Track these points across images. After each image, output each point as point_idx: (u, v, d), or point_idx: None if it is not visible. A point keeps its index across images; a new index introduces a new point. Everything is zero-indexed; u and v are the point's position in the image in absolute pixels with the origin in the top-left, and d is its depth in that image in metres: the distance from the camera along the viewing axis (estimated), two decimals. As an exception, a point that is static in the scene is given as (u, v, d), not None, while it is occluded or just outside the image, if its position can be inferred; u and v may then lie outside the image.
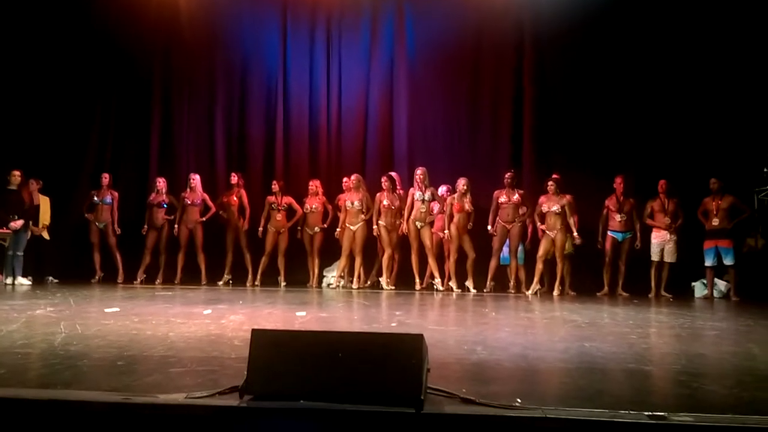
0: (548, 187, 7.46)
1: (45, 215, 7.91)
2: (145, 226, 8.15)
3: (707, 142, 7.65)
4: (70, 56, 8.62)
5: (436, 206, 7.71)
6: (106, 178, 8.24)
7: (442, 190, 7.81)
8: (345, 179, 8.10)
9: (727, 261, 7.25)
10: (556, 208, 7.34)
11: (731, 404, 2.17)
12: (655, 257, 7.50)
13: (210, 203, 8.26)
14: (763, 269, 7.32)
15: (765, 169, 7.56)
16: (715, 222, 7.26)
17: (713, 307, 6.42)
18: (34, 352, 2.92)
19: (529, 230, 7.82)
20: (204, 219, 8.17)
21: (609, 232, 7.60)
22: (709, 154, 7.59)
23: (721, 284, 7.37)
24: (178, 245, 8.14)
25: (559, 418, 1.83)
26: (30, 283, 7.44)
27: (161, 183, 8.23)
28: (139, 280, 8.02)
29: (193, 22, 8.95)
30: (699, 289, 7.53)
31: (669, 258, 7.47)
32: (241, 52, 9.06)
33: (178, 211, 8.18)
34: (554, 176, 7.52)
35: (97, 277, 8.11)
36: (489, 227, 7.57)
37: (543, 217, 7.46)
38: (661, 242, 7.50)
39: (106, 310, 4.65)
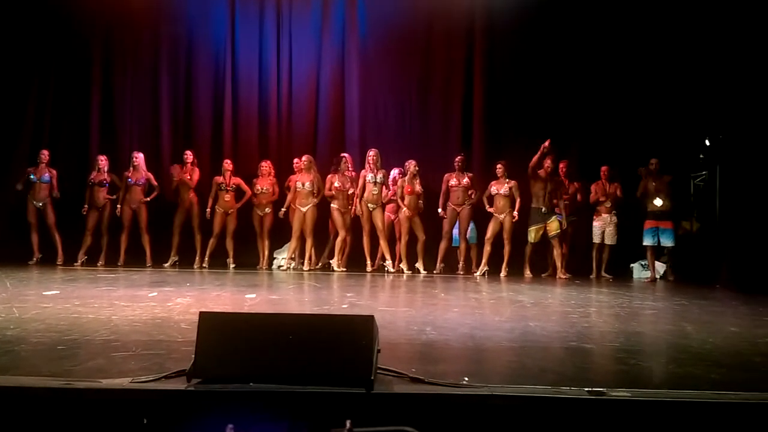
0: (497, 171, 7.61)
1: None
2: (86, 206, 7.84)
3: (646, 126, 7.93)
4: (4, 26, 8.12)
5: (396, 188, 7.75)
6: (44, 155, 7.86)
7: (395, 172, 7.83)
8: (296, 160, 8.01)
9: (667, 242, 7.44)
10: (504, 190, 7.51)
11: (666, 380, 2.28)
12: (596, 239, 7.77)
13: (154, 182, 8.01)
14: (697, 252, 7.70)
15: (701, 155, 7.92)
16: (658, 203, 7.43)
17: (650, 287, 6.71)
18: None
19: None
20: (148, 199, 7.94)
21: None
22: (648, 139, 7.86)
23: (659, 266, 7.69)
24: (121, 226, 7.89)
25: (505, 395, 1.89)
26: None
27: (103, 161, 7.92)
28: (79, 261, 7.74)
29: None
30: (637, 270, 7.85)
31: (609, 240, 7.74)
32: (186, 25, 8.74)
33: (121, 191, 7.91)
34: (502, 161, 7.67)
35: (34, 259, 7.77)
36: (439, 210, 7.66)
37: (491, 199, 7.61)
38: (602, 225, 7.76)
39: (45, 293, 4.48)
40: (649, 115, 7.97)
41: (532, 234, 7.42)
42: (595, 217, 7.80)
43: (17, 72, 8.28)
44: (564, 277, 7.28)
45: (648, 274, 7.49)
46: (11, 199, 7.93)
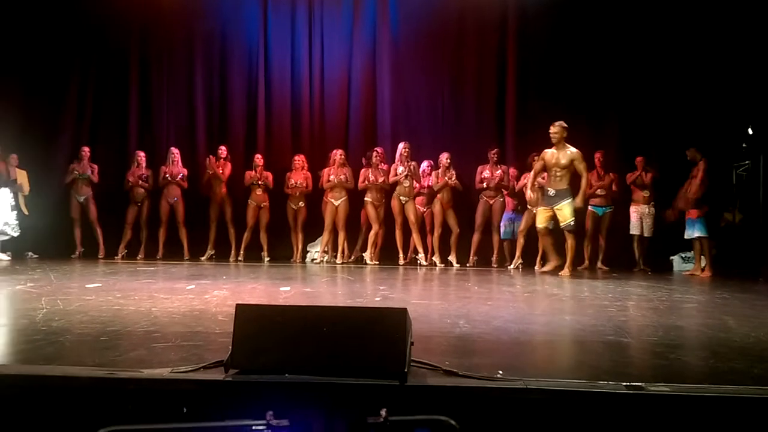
0: (531, 163, 7.51)
1: (23, 189, 7.78)
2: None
3: (687, 115, 7.71)
4: (45, 28, 8.36)
5: (430, 181, 7.72)
6: (85, 151, 8.09)
7: (425, 165, 7.81)
8: (330, 154, 8.05)
9: (697, 232, 7.01)
10: (538, 183, 7.41)
11: (707, 374, 2.23)
12: (634, 231, 7.60)
13: (184, 182, 8.13)
14: (739, 243, 7.46)
15: (743, 144, 7.67)
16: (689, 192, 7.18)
17: (691, 280, 6.55)
18: (15, 328, 2.89)
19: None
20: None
21: (589, 207, 7.67)
22: (688, 127, 7.65)
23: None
24: (159, 220, 8.07)
25: (540, 389, 1.87)
26: (9, 258, 7.34)
27: (142, 157, 8.12)
28: (120, 255, 7.95)
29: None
30: (677, 262, 7.66)
31: (647, 232, 7.56)
32: (220, 23, 8.86)
33: (161, 186, 8.10)
34: (536, 153, 7.56)
35: (77, 253, 8.02)
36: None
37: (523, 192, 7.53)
38: (639, 216, 7.59)
39: (88, 286, 4.62)
40: (690, 103, 7.74)
41: (540, 216, 6.57)
42: (631, 206, 7.62)
43: (57, 72, 8.52)
44: (566, 274, 6.38)
45: (689, 266, 7.30)
46: (55, 194, 8.19)
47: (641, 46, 7.98)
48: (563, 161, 6.36)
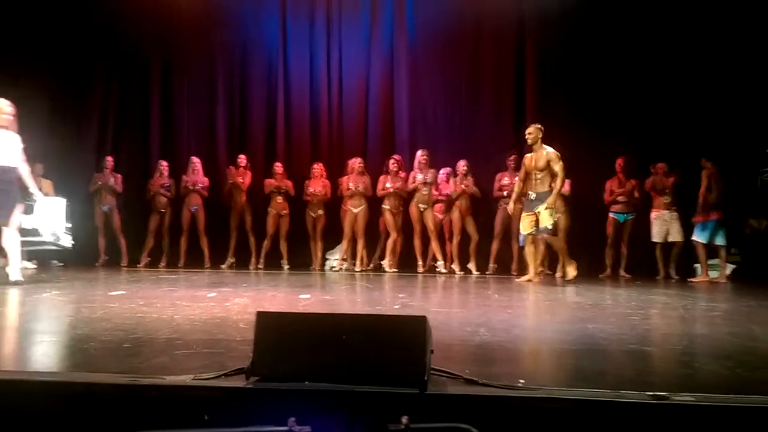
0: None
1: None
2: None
3: (708, 122, 7.61)
4: (67, 38, 8.55)
5: (448, 189, 7.69)
6: (109, 161, 8.23)
7: (443, 172, 7.81)
8: (348, 162, 8.09)
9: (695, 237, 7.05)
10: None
11: (733, 384, 2.18)
12: (656, 239, 7.48)
13: (205, 191, 8.21)
14: (766, 250, 7.32)
15: (767, 150, 7.53)
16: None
17: (715, 288, 6.43)
18: (40, 335, 2.94)
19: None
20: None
21: (611, 214, 7.59)
22: (710, 134, 7.54)
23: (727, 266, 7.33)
24: (181, 229, 8.16)
25: (562, 398, 1.85)
26: (35, 267, 7.48)
27: (164, 166, 8.24)
28: (142, 263, 8.06)
29: (191, 2, 8.87)
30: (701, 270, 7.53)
31: (674, 238, 7.40)
32: (240, 32, 9.00)
33: (182, 195, 8.21)
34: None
35: (101, 261, 8.15)
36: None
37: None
38: (662, 223, 7.47)
39: (111, 293, 4.68)
40: (712, 108, 7.64)
41: (524, 222, 6.28)
42: (652, 212, 7.50)
43: (80, 82, 8.70)
44: (536, 280, 6.15)
45: (715, 273, 7.17)
46: (79, 204, 8.33)
47: (662, 48, 7.90)
48: (541, 163, 6.13)
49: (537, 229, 6.08)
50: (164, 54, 9.00)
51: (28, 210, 5.29)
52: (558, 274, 7.26)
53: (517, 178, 6.47)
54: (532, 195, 6.19)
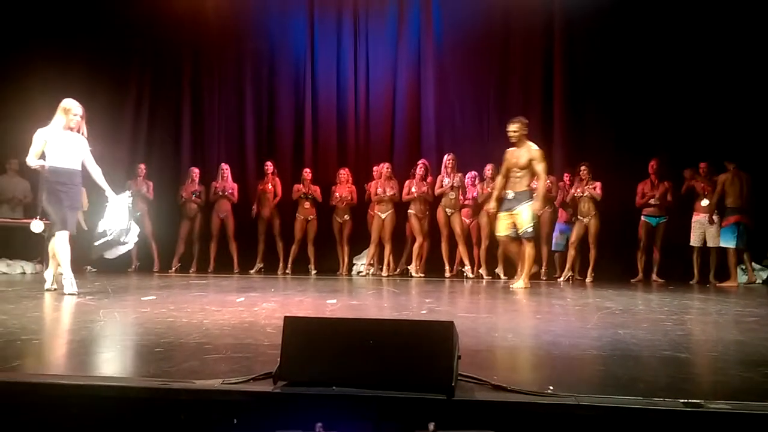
0: (581, 173, 7.37)
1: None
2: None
3: (742, 123, 7.42)
4: (100, 46, 8.73)
5: (475, 192, 7.65)
6: (141, 168, 8.39)
7: (469, 176, 7.77)
8: (375, 167, 8.11)
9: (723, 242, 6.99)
10: (588, 193, 7.27)
11: (770, 392, 2.12)
12: (694, 242, 7.31)
13: (234, 197, 8.30)
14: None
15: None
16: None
17: (750, 293, 6.26)
18: (74, 339, 3.01)
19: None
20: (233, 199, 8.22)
21: (643, 217, 7.46)
22: (743, 135, 7.35)
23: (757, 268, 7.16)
24: (211, 235, 8.28)
25: (593, 405, 1.82)
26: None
27: (195, 173, 8.37)
28: (173, 268, 8.19)
29: (220, 11, 9.02)
30: (738, 274, 7.34)
31: (713, 242, 7.23)
32: (268, 40, 9.12)
33: (211, 201, 8.33)
34: (586, 163, 7.42)
35: (133, 266, 8.31)
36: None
37: (575, 202, 7.39)
38: (700, 226, 7.30)
39: (143, 299, 4.77)
40: (745, 109, 7.45)
41: (500, 223, 5.97)
42: (693, 217, 7.33)
43: (113, 91, 8.88)
44: (520, 287, 5.73)
45: (743, 278, 7.02)
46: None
47: (694, 49, 7.74)
48: (522, 161, 5.80)
49: (516, 232, 5.81)
50: (195, 62, 9.16)
51: (101, 212, 5.19)
52: (588, 278, 7.16)
53: (499, 176, 6.12)
54: (510, 194, 5.86)
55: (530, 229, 5.76)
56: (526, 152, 5.81)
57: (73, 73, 8.53)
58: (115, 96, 8.93)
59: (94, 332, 3.15)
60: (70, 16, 8.57)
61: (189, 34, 9.05)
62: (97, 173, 5.17)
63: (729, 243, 6.87)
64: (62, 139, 4.96)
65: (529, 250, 5.83)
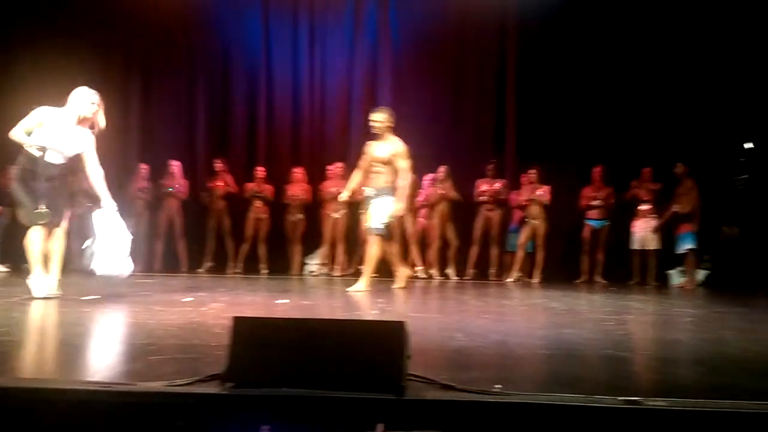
0: (530, 177, 7.56)
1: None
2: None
3: (683, 131, 7.75)
4: (47, 36, 8.36)
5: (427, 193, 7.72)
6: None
7: (426, 178, 7.83)
8: (329, 167, 8.07)
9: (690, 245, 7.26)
10: (537, 196, 7.47)
11: (704, 389, 2.22)
12: (635, 245, 7.58)
13: (184, 191, 8.13)
14: (738, 257, 7.48)
15: (741, 158, 7.71)
16: (676, 207, 7.33)
17: (688, 295, 6.54)
18: (10, 341, 2.88)
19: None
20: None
21: (586, 221, 7.69)
22: (686, 143, 7.68)
23: (699, 272, 7.48)
24: (158, 232, 8.06)
25: (538, 403, 1.86)
26: (8, 270, 7.31)
27: (144, 170, 8.13)
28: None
29: (172, 5, 8.76)
30: (675, 276, 7.66)
31: (652, 246, 7.51)
32: (222, 36, 8.93)
33: (160, 199, 8.11)
34: (535, 167, 7.61)
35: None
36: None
37: (524, 205, 7.56)
38: (642, 230, 7.58)
39: (83, 298, 4.60)
40: (689, 115, 7.79)
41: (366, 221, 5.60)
42: (634, 220, 7.60)
43: (61, 84, 8.50)
44: (359, 290, 5.38)
45: (683, 280, 7.33)
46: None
47: (642, 55, 8.02)
48: (384, 155, 5.37)
49: (366, 224, 5.39)
50: (144, 57, 8.87)
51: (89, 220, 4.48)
52: (534, 279, 7.33)
53: (357, 169, 5.74)
54: (370, 191, 5.43)
55: (380, 226, 5.25)
56: (390, 147, 5.40)
57: (20, 64, 8.17)
58: (62, 89, 8.56)
59: (31, 333, 3.02)
60: (9, 3, 8.19)
61: (139, 28, 8.74)
62: (96, 176, 4.53)
63: (688, 245, 7.13)
64: (63, 130, 4.37)
65: (374, 248, 5.34)
